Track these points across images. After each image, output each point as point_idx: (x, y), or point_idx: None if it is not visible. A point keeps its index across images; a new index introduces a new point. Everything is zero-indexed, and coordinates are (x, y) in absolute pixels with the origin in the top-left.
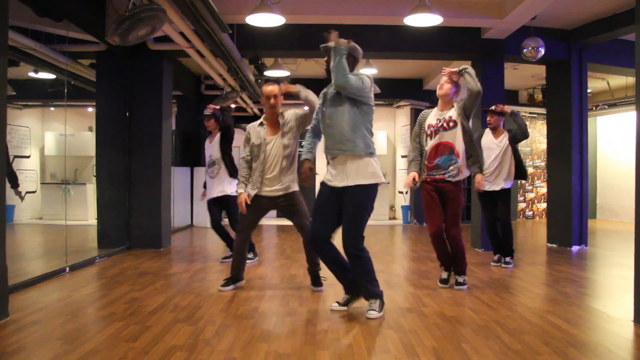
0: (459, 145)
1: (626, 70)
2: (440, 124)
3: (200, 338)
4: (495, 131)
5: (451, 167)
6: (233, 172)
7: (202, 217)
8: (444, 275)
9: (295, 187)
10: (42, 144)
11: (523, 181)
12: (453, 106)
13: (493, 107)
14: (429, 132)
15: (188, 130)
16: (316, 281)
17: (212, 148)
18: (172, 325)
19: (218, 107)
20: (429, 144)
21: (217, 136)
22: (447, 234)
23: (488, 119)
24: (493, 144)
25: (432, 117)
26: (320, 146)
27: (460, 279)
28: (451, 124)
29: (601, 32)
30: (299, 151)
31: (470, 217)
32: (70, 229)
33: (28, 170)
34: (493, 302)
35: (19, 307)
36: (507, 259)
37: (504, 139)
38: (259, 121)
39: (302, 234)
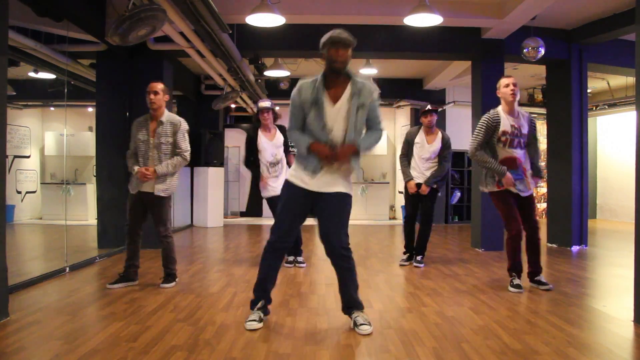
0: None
1: (626, 70)
2: (516, 138)
3: (200, 338)
4: (429, 132)
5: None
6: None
7: (202, 217)
8: (518, 280)
9: None
10: (42, 144)
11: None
12: (519, 114)
13: (429, 107)
14: (504, 138)
15: (188, 130)
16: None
17: (273, 146)
18: (172, 325)
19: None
20: (503, 152)
21: (277, 133)
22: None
23: (422, 119)
24: (425, 146)
25: (506, 122)
26: None
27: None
28: (523, 142)
29: (601, 32)
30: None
31: (470, 217)
32: (70, 229)
33: (28, 170)
34: (493, 302)
35: (19, 307)
36: (419, 258)
37: (437, 142)
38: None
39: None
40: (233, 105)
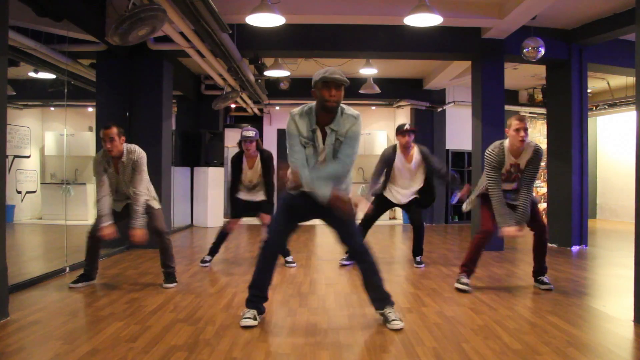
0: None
1: (626, 70)
2: (513, 174)
3: (200, 338)
4: (406, 152)
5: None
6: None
7: (202, 217)
8: (466, 279)
9: None
10: (42, 144)
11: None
12: (524, 152)
13: (407, 127)
14: (504, 176)
15: (188, 130)
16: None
17: (253, 172)
18: (172, 325)
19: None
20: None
21: (258, 162)
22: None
23: (398, 137)
24: (405, 165)
25: (507, 161)
26: None
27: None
28: (519, 176)
29: (601, 32)
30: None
31: (470, 217)
32: (70, 229)
33: (28, 170)
34: (493, 302)
35: (19, 307)
36: (418, 258)
37: (415, 157)
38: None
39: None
40: (233, 105)
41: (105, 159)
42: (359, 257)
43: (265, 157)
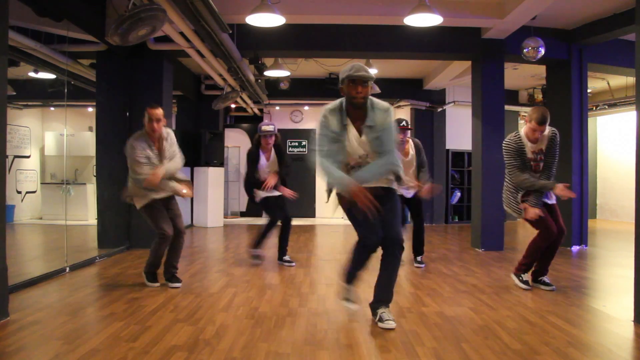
0: None
1: (626, 70)
2: (538, 162)
3: (200, 338)
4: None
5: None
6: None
7: (202, 217)
8: (527, 277)
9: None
10: (42, 144)
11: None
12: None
13: (403, 124)
14: (533, 164)
15: (188, 130)
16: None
17: (268, 166)
18: (172, 325)
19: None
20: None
21: (273, 155)
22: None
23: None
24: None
25: (528, 149)
26: None
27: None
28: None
29: (601, 32)
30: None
31: (470, 217)
32: (70, 229)
33: (28, 170)
34: (493, 302)
35: (19, 307)
36: (419, 258)
37: (411, 151)
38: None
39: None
40: (233, 105)
41: (146, 139)
42: (391, 250)
43: (279, 142)
